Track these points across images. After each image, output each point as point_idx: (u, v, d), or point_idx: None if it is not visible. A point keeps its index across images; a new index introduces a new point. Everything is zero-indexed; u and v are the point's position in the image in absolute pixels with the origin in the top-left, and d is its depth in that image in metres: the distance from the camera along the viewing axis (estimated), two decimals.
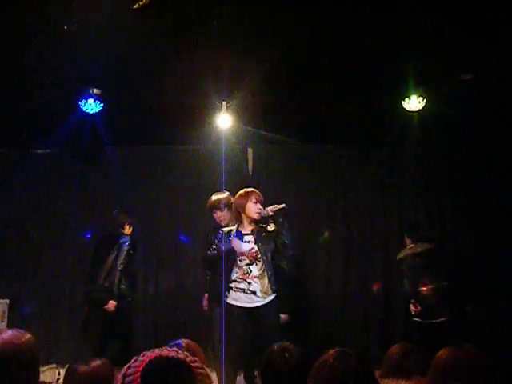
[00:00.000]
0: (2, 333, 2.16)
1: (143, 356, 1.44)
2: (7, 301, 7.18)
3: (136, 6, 4.70)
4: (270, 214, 5.17)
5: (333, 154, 7.90)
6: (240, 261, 5.15)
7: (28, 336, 2.19)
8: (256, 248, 5.15)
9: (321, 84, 6.27)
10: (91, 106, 6.48)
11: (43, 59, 5.59)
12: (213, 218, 5.95)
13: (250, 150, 7.82)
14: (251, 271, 5.11)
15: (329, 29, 5.26)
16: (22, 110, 6.62)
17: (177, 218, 7.76)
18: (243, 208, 5.25)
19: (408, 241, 6.72)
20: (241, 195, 5.30)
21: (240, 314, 5.07)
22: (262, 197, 5.31)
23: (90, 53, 5.43)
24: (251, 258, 5.13)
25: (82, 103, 6.47)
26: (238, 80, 6.01)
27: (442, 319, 6.16)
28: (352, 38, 5.34)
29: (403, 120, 6.60)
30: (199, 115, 6.76)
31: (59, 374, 6.93)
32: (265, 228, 5.23)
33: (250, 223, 5.26)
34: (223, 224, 5.79)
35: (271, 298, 5.11)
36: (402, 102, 6.40)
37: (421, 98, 6.37)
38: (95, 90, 6.42)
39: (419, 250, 6.47)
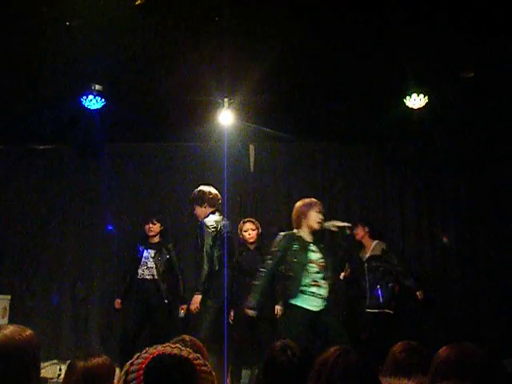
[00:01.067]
0: (2, 328, 2.16)
1: (146, 353, 1.42)
2: (8, 297, 7.20)
3: (138, 1, 4.70)
4: (333, 229, 5.34)
5: (335, 152, 7.88)
6: (310, 267, 5.21)
7: (29, 332, 2.19)
8: (324, 258, 5.27)
9: (323, 81, 6.27)
10: (93, 102, 6.46)
11: (45, 55, 5.59)
12: None
13: (251, 147, 7.82)
14: (319, 279, 5.20)
15: (331, 27, 5.25)
16: (23, 106, 6.61)
17: (178, 215, 7.75)
18: (305, 215, 5.31)
19: (362, 230, 6.86)
20: (305, 203, 5.37)
21: (306, 317, 5.14)
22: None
23: (91, 49, 5.42)
24: (320, 267, 5.23)
25: (83, 99, 6.45)
26: (240, 77, 6.00)
27: (389, 311, 6.61)
28: (354, 35, 5.33)
29: (405, 118, 6.58)
30: (201, 112, 6.76)
31: (60, 369, 6.96)
32: (327, 239, 5.44)
33: (309, 232, 5.32)
34: (199, 220, 5.85)
35: (326, 302, 5.26)
36: (404, 100, 6.38)
37: (422, 96, 6.34)
38: (97, 87, 6.40)
39: (384, 247, 6.81)
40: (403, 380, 2.52)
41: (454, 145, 7.40)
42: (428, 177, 7.70)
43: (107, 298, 7.50)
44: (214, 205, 5.86)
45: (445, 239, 7.36)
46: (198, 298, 5.55)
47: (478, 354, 2.25)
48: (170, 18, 5.10)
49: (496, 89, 6.14)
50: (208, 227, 5.66)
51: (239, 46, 5.43)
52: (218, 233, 5.66)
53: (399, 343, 3.03)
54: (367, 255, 6.85)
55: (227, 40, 5.27)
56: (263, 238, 6.54)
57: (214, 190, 5.93)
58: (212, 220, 5.72)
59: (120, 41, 5.38)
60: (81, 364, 2.76)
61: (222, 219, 5.80)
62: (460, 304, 7.22)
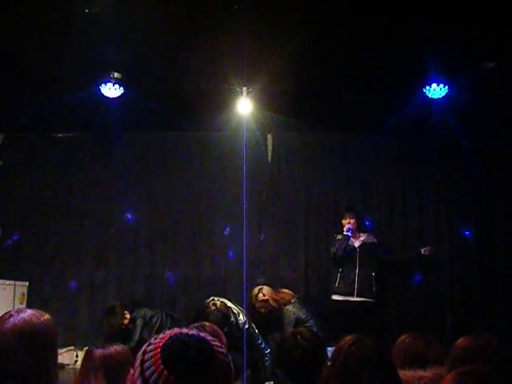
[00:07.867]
0: (21, 312, 2.18)
1: (164, 334, 1.43)
2: (27, 283, 7.28)
3: None
4: None
5: (353, 142, 7.83)
6: None
7: (47, 316, 2.21)
8: None
9: (342, 71, 6.23)
10: (111, 90, 6.46)
11: (64, 43, 5.60)
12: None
13: (269, 137, 7.80)
14: None
15: (352, 16, 5.21)
16: (43, 94, 6.64)
17: (196, 204, 7.77)
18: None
19: (350, 219, 6.99)
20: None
21: None
22: None
23: (110, 37, 5.42)
24: None
25: (102, 87, 6.45)
26: (258, 66, 5.98)
27: (371, 300, 6.88)
28: (375, 25, 5.29)
29: (425, 107, 6.52)
30: (219, 101, 6.74)
31: (77, 356, 7.03)
32: None
33: None
34: None
35: None
36: (425, 90, 6.33)
37: (442, 86, 6.29)
38: (115, 74, 6.40)
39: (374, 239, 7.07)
40: (419, 371, 2.50)
41: (475, 135, 7.30)
42: (448, 168, 7.62)
43: (124, 285, 7.57)
44: None
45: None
46: None
47: (495, 345, 2.24)
48: (189, 6, 5.09)
49: None
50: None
51: (258, 34, 5.41)
52: None
53: (408, 334, 2.99)
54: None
55: (246, 29, 5.25)
56: None
57: None
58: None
59: (139, 29, 5.39)
60: (99, 351, 2.78)
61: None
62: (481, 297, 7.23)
